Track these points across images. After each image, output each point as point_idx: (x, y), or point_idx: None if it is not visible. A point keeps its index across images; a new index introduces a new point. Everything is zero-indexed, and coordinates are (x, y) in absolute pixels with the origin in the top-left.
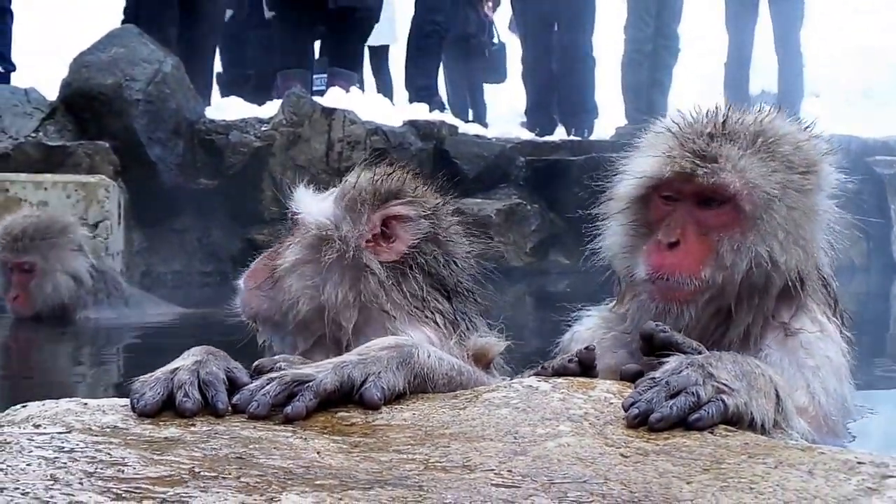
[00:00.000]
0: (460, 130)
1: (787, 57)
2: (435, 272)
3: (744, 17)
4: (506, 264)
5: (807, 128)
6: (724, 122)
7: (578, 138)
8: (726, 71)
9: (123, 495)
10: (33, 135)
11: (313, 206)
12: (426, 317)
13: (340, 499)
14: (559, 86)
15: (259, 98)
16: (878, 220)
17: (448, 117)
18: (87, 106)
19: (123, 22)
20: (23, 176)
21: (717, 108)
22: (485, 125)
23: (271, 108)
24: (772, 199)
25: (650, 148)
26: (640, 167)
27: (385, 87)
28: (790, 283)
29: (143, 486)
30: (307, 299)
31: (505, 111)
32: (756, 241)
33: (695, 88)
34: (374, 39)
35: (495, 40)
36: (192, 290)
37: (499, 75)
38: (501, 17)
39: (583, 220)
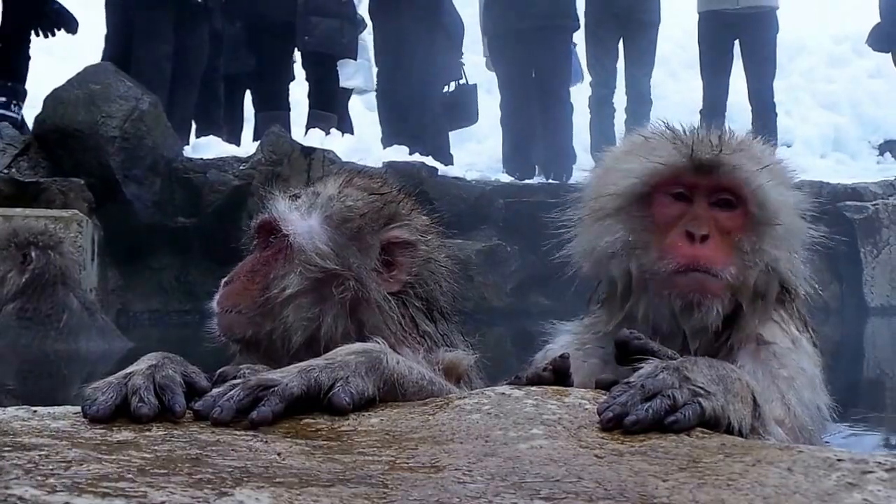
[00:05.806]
0: (440, 172)
1: (761, 107)
2: (429, 297)
3: (718, 67)
4: (486, 305)
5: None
6: (719, 135)
7: (557, 181)
8: (701, 119)
9: (60, 489)
10: (6, 171)
11: (301, 225)
12: (415, 340)
13: (299, 494)
14: (538, 132)
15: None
16: (849, 264)
17: (428, 159)
18: (61, 142)
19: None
20: None
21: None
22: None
23: (250, 147)
24: (779, 208)
25: (643, 148)
26: (639, 165)
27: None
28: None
29: (85, 480)
30: (303, 330)
31: (485, 155)
32: (770, 246)
33: None
34: None
35: (462, 80)
36: (168, 329)
37: (469, 119)
38: (469, 58)
39: (561, 262)
